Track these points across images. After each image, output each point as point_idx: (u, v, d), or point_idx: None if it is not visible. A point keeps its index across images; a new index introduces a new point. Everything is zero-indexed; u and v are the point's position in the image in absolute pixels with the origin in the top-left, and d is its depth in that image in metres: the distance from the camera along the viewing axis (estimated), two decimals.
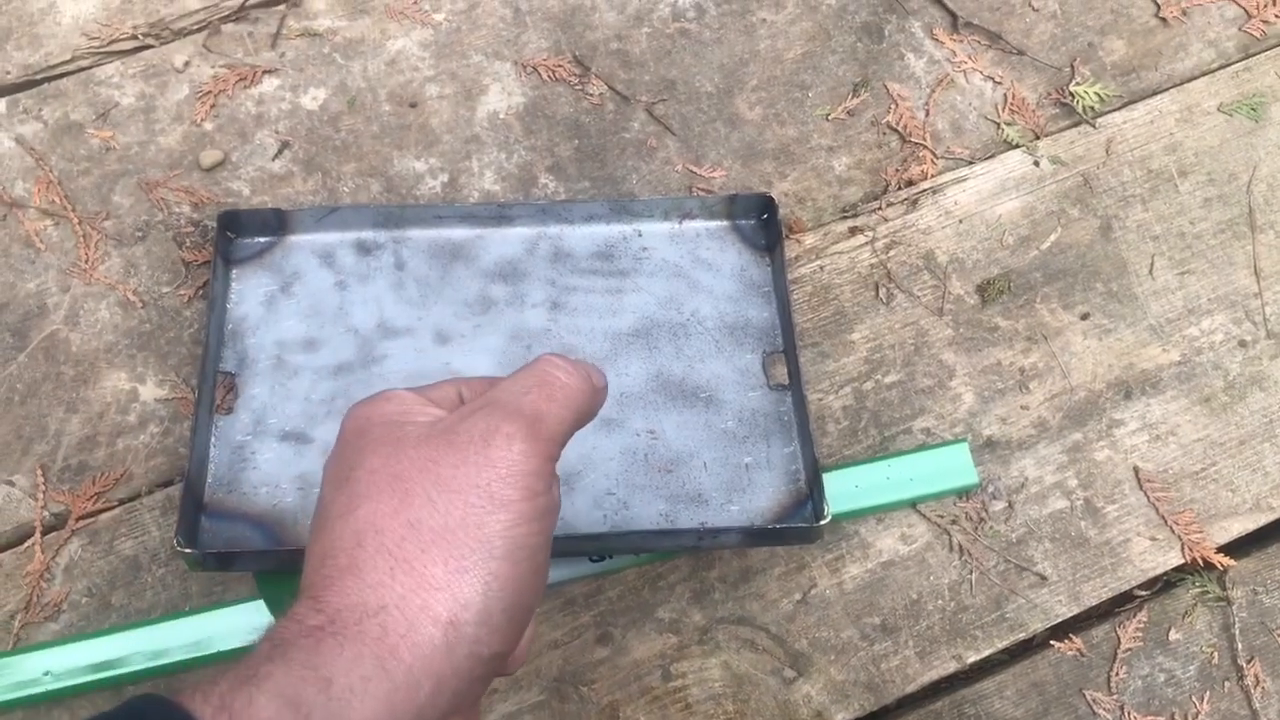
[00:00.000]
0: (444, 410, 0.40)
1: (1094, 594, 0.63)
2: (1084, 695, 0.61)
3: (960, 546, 0.64)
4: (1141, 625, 0.63)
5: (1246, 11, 0.81)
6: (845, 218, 0.73)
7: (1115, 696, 0.61)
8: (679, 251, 0.69)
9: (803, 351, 0.68)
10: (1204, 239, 0.73)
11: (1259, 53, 0.80)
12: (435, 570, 0.35)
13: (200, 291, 0.68)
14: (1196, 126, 0.77)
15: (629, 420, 0.63)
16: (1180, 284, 0.72)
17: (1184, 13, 0.81)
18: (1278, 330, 0.70)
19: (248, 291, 0.66)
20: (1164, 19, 0.80)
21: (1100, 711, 0.61)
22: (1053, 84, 0.78)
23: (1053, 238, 0.73)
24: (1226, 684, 0.62)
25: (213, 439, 0.61)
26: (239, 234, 0.67)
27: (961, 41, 0.79)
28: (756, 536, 0.59)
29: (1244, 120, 0.77)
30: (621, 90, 0.76)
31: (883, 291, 0.71)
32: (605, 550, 0.60)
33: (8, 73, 0.75)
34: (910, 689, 0.61)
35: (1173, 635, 0.63)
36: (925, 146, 0.75)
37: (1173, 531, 0.65)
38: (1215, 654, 0.63)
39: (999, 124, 0.76)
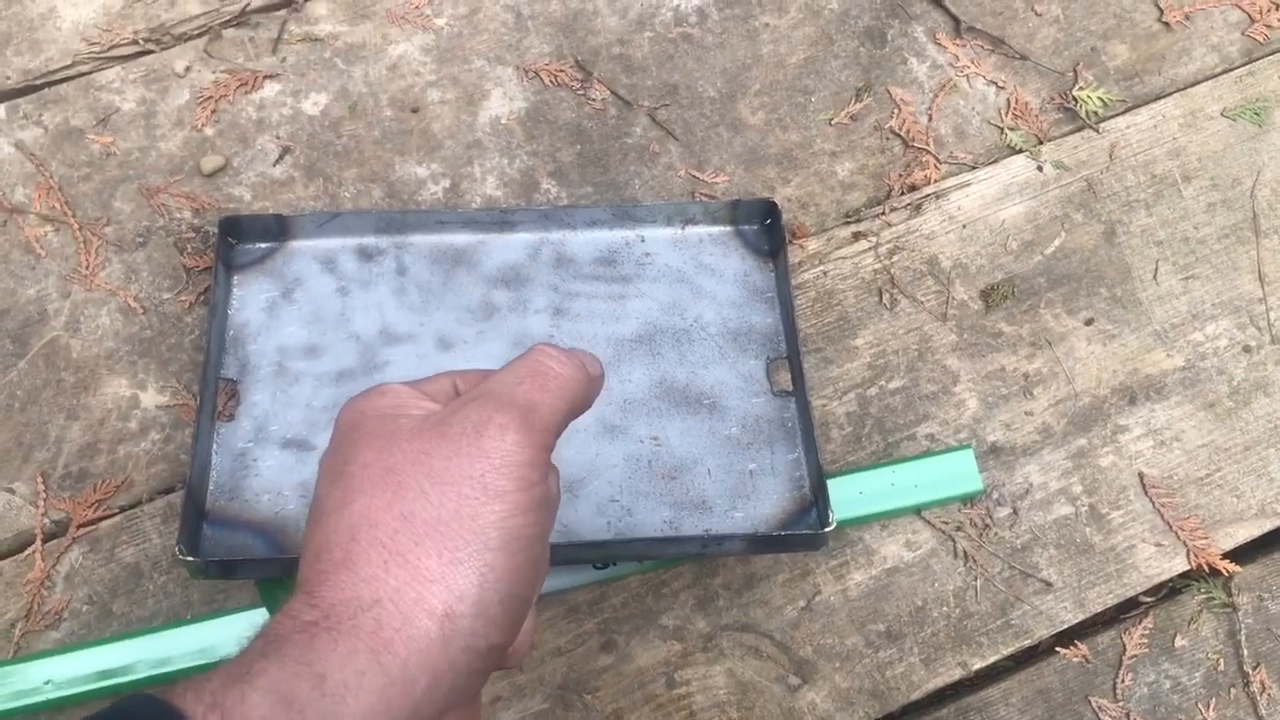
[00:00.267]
0: (439, 403, 0.40)
1: (1099, 600, 0.63)
2: (1090, 702, 0.61)
3: (965, 553, 0.64)
4: (1147, 632, 0.63)
5: (1249, 16, 0.81)
6: (848, 223, 0.73)
7: (1121, 704, 0.61)
8: (682, 257, 0.69)
9: (806, 357, 0.67)
10: (1208, 244, 0.73)
11: (1262, 57, 0.79)
12: (429, 563, 0.35)
13: (201, 297, 0.68)
14: (1200, 131, 0.77)
15: (632, 427, 0.63)
16: (1184, 289, 0.72)
17: (1187, 17, 0.81)
18: None
19: (249, 297, 0.66)
20: (1167, 23, 0.80)
21: (1106, 719, 0.61)
22: (1056, 89, 0.78)
23: (1056, 243, 0.72)
24: (1232, 690, 0.62)
25: (214, 446, 0.61)
26: (240, 240, 0.67)
27: (964, 46, 0.79)
28: (761, 544, 0.59)
29: (1247, 125, 0.77)
30: (624, 95, 0.76)
31: (886, 297, 0.70)
32: (609, 558, 0.60)
33: (8, 78, 0.75)
34: (915, 696, 0.61)
35: (1178, 642, 0.63)
36: (928, 151, 0.75)
37: (1178, 537, 0.65)
38: (1221, 660, 0.62)
39: (1002, 129, 0.76)
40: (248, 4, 0.77)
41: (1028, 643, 0.62)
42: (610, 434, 0.63)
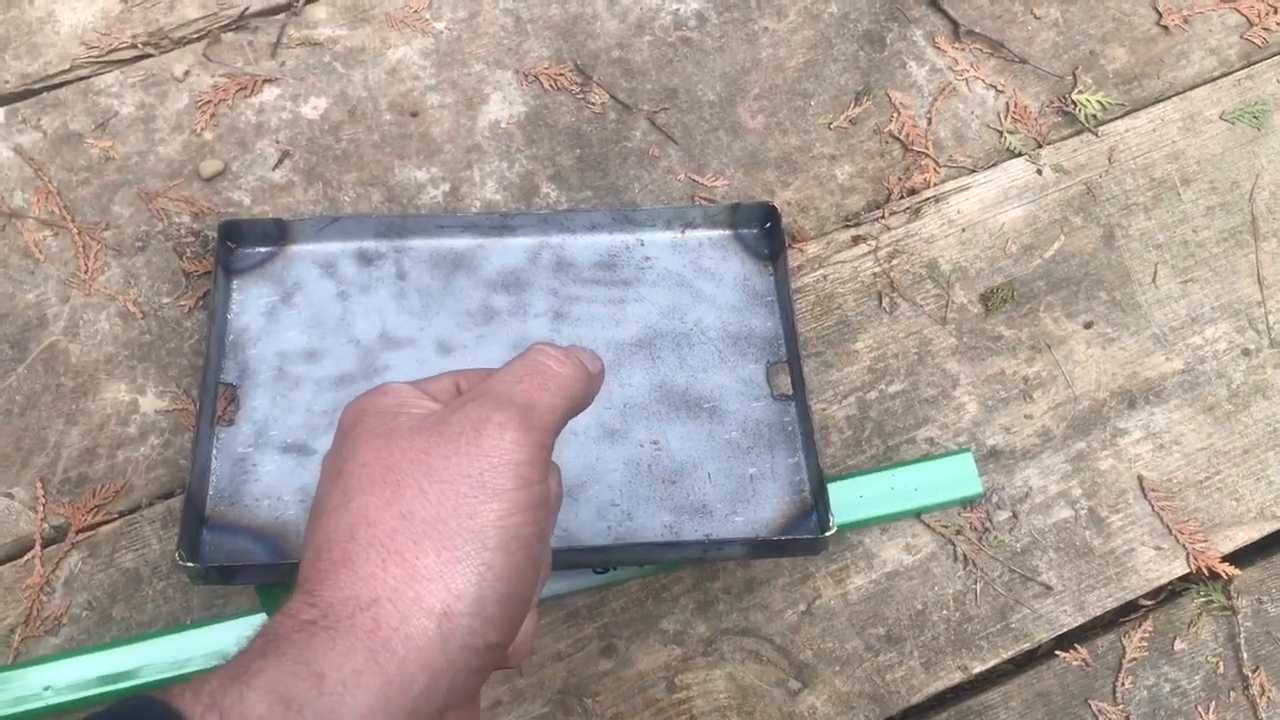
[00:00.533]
0: (440, 402, 0.40)
1: (1099, 604, 0.63)
2: (1090, 706, 0.61)
3: (965, 556, 0.64)
4: (1147, 635, 0.63)
5: (1248, 19, 0.81)
6: (848, 226, 0.73)
7: (1121, 707, 0.61)
8: (682, 261, 0.69)
9: (806, 361, 0.67)
10: (1207, 247, 0.73)
11: (1260, 60, 0.80)
12: (427, 561, 0.35)
13: (201, 302, 0.68)
14: (1199, 134, 0.77)
15: (632, 431, 0.63)
16: (1183, 292, 0.72)
17: (1185, 20, 0.81)
18: None
19: (249, 302, 0.66)
20: (1165, 27, 0.80)
21: None
22: (1055, 92, 0.78)
23: (1056, 246, 0.73)
24: (1232, 694, 0.62)
25: (214, 451, 0.61)
26: (240, 244, 0.67)
27: (963, 50, 0.79)
28: (761, 548, 0.59)
29: (1246, 128, 0.77)
30: (623, 99, 0.76)
31: (886, 301, 0.70)
32: (609, 563, 0.60)
33: (6, 82, 0.75)
34: (915, 700, 0.61)
35: (1178, 645, 0.63)
36: (928, 155, 0.75)
37: (1177, 541, 0.65)
38: (1221, 664, 0.62)
39: (1001, 132, 0.76)
40: (247, 8, 0.77)
41: (1027, 646, 0.62)
42: (610, 438, 0.63)
